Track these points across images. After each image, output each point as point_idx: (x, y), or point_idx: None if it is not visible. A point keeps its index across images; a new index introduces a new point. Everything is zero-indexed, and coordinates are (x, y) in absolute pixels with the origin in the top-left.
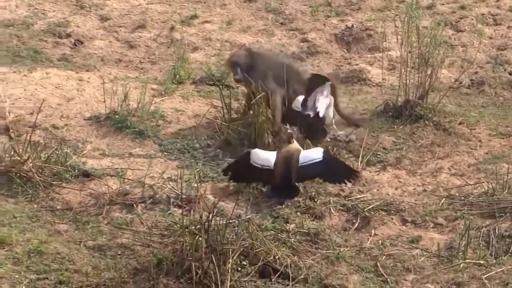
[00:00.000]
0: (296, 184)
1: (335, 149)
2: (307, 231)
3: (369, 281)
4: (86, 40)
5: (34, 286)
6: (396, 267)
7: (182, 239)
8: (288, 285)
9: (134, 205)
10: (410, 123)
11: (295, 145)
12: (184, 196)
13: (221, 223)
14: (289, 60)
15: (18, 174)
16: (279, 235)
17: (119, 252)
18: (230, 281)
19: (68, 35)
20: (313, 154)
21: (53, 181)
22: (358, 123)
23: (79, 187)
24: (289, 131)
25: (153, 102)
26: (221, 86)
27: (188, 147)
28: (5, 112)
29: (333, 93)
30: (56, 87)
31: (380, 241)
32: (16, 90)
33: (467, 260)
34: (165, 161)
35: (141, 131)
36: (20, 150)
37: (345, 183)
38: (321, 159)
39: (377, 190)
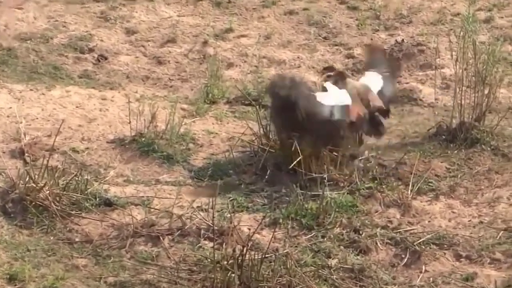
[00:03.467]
0: None
1: (382, 175)
2: (351, 267)
3: None
4: (110, 56)
5: None
6: None
7: (213, 276)
8: None
9: (161, 238)
10: (466, 148)
11: None
12: (215, 228)
13: (256, 257)
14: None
15: (34, 203)
16: (320, 271)
17: None
18: None
19: (91, 50)
20: None
21: (72, 211)
22: None
23: (100, 217)
24: None
25: (183, 123)
26: (258, 107)
27: (221, 173)
28: (20, 134)
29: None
30: (76, 107)
31: (431, 279)
32: (33, 109)
33: None
34: (196, 188)
35: (170, 155)
36: (36, 176)
37: None
38: None
39: (429, 221)
